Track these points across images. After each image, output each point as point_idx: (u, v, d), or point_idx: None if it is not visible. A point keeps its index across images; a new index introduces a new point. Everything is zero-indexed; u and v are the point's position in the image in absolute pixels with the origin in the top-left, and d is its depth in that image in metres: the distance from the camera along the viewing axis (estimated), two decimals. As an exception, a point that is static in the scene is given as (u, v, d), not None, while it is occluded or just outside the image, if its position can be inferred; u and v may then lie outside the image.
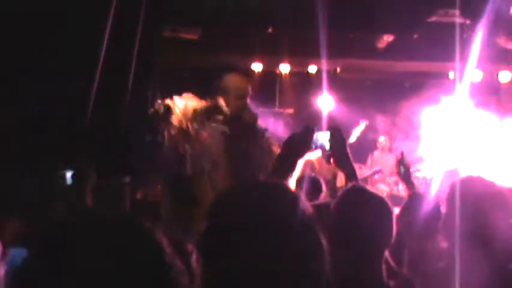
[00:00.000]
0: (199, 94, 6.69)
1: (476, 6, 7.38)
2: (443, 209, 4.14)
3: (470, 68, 7.86)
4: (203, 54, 9.51)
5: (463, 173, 5.86)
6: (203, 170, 6.86)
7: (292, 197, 1.55)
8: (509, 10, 8.54)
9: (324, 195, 5.61)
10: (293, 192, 1.59)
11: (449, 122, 8.67)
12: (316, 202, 3.47)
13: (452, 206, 2.30)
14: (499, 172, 6.77)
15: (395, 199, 5.69)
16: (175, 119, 6.88)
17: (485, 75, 10.31)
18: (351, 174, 2.73)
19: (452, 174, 5.80)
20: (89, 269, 1.12)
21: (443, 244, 3.10)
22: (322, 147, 2.74)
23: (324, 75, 9.44)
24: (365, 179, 8.49)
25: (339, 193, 2.49)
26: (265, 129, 7.39)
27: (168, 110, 6.58)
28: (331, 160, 2.76)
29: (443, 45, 8.26)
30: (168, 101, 6.60)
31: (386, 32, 9.71)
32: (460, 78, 8.05)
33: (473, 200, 2.21)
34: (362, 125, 9.74)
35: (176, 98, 6.56)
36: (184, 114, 6.66)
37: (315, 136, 2.65)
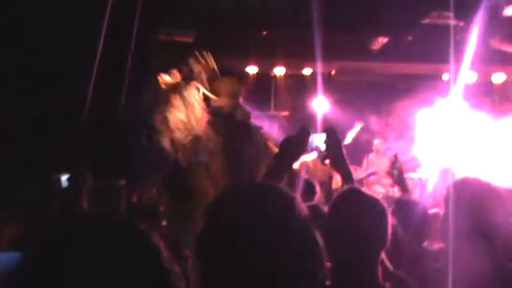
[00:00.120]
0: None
1: (470, 8, 7.41)
2: (440, 211, 4.17)
3: (464, 70, 7.89)
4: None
5: (458, 174, 5.90)
6: (200, 163, 6.89)
7: (289, 198, 1.56)
8: (502, 12, 8.58)
9: (318, 197, 5.62)
10: (289, 194, 1.60)
11: (444, 123, 8.70)
12: (309, 203, 3.48)
13: (451, 207, 2.31)
14: (494, 173, 6.79)
15: (391, 200, 5.69)
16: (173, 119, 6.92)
17: (479, 77, 10.35)
18: (347, 176, 2.74)
19: (446, 173, 5.83)
20: (84, 273, 1.11)
21: (438, 245, 3.11)
22: (317, 149, 2.75)
23: (319, 78, 9.46)
24: (360, 181, 8.50)
25: (335, 195, 2.49)
26: (260, 127, 7.43)
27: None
28: (327, 161, 2.77)
29: (437, 47, 8.28)
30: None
31: (381, 34, 9.73)
32: (454, 79, 8.07)
33: (473, 199, 2.21)
34: (357, 127, 9.76)
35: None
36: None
37: (310, 138, 2.66)
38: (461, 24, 8.75)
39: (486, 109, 9.26)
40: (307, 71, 10.60)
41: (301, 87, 10.58)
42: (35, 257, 1.16)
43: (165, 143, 6.90)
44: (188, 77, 7.38)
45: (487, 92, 10.41)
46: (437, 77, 10.46)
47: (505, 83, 10.71)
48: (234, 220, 1.49)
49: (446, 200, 2.37)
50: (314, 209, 3.02)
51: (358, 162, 9.59)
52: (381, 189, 9.11)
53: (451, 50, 7.21)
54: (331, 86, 10.07)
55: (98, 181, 4.70)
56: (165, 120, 7.07)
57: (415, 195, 6.40)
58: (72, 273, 1.11)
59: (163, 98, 7.17)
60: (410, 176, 7.99)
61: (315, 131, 2.73)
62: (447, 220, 2.30)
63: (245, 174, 6.90)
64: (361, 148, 9.79)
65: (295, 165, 3.01)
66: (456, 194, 2.33)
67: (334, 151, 2.74)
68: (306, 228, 1.52)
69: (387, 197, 7.63)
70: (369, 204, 2.36)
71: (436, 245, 3.16)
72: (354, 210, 2.35)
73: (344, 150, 2.77)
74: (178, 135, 7.17)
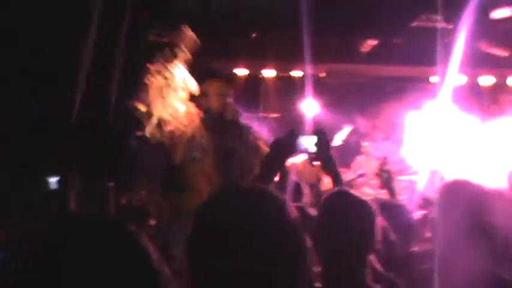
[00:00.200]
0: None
1: (458, 11, 7.44)
2: (428, 213, 4.18)
3: (452, 73, 7.92)
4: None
5: (447, 176, 5.92)
6: (194, 159, 6.91)
7: (278, 201, 1.56)
8: (490, 14, 8.63)
9: (305, 198, 5.64)
10: (279, 196, 1.60)
11: (432, 125, 8.73)
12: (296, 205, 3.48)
13: (443, 209, 2.31)
14: (482, 175, 6.82)
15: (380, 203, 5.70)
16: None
17: (468, 80, 10.40)
18: (336, 178, 2.75)
19: (434, 176, 5.85)
20: (71, 275, 1.10)
21: (422, 247, 3.12)
22: (306, 151, 2.76)
23: (309, 80, 9.46)
24: (349, 183, 8.51)
25: (324, 197, 2.50)
26: (250, 126, 7.46)
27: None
28: (316, 163, 2.77)
29: (426, 49, 8.32)
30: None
31: (370, 36, 9.76)
32: (443, 82, 8.10)
33: (471, 201, 2.21)
34: (346, 130, 9.77)
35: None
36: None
37: (299, 140, 2.66)
38: (449, 27, 8.79)
39: (474, 112, 9.31)
40: (296, 73, 10.61)
41: (290, 90, 10.59)
42: (19, 258, 1.13)
43: (156, 141, 6.92)
44: (173, 51, 7.39)
45: (475, 94, 10.46)
46: (425, 80, 10.50)
47: (493, 86, 10.77)
48: (224, 222, 1.50)
49: (438, 202, 2.37)
50: (301, 210, 3.02)
51: (347, 165, 9.60)
52: (370, 191, 9.13)
53: (440, 53, 7.24)
54: (321, 88, 10.08)
55: (86, 183, 4.68)
56: (157, 117, 7.08)
57: (405, 197, 6.41)
58: (58, 275, 1.09)
59: (155, 95, 7.18)
60: (400, 178, 8.01)
61: (304, 133, 2.74)
62: (439, 222, 2.30)
63: (236, 174, 6.92)
64: (350, 150, 9.81)
65: (286, 167, 3.01)
66: (449, 196, 2.33)
67: (323, 153, 2.75)
68: (295, 230, 1.52)
69: (376, 199, 7.64)
70: (357, 206, 2.37)
71: (420, 247, 3.17)
72: (343, 212, 2.36)
73: (333, 152, 2.77)
74: (171, 131, 7.19)
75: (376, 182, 9.10)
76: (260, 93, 10.75)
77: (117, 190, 5.75)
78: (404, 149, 9.00)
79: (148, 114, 6.87)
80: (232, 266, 1.45)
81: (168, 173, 6.86)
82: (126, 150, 6.51)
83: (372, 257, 2.35)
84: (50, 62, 5.62)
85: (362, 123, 10.47)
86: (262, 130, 9.10)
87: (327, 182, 5.10)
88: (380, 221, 2.36)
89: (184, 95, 7.33)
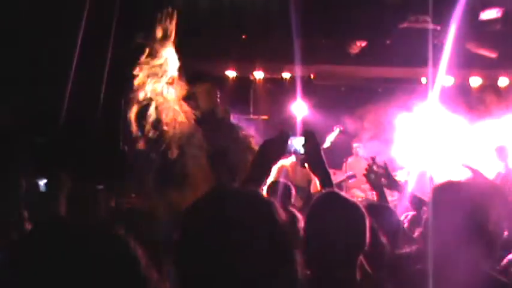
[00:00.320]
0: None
1: (447, 13, 7.48)
2: (417, 214, 4.19)
3: (441, 73, 7.95)
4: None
5: (435, 176, 5.93)
6: (192, 155, 6.93)
7: (266, 204, 1.55)
8: (479, 16, 8.68)
9: (294, 200, 5.64)
10: (267, 200, 1.59)
11: (422, 126, 8.76)
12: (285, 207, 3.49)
13: (438, 210, 2.31)
14: (469, 175, 6.84)
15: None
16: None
17: (456, 80, 10.44)
18: (325, 179, 2.74)
19: (423, 177, 5.87)
20: (60, 281, 1.09)
21: (414, 247, 3.12)
22: (296, 153, 2.75)
23: (298, 82, 9.47)
24: (339, 184, 8.52)
25: (314, 198, 2.50)
26: (241, 126, 7.52)
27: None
28: (306, 165, 2.77)
29: (415, 51, 8.35)
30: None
31: (359, 38, 9.78)
32: (432, 83, 8.14)
33: (462, 202, 2.22)
34: (336, 131, 9.79)
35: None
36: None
37: (289, 141, 2.66)
38: (438, 28, 8.83)
39: (463, 112, 9.36)
40: (286, 75, 10.62)
41: (280, 91, 10.60)
42: (5, 266, 1.13)
43: (152, 137, 6.94)
44: (164, 37, 7.41)
45: (463, 95, 10.50)
46: (415, 81, 10.53)
47: (481, 87, 10.82)
48: (211, 226, 1.49)
49: (432, 203, 2.37)
50: (289, 213, 3.02)
51: (338, 166, 9.62)
52: (360, 193, 9.15)
53: (429, 54, 7.27)
54: (310, 89, 10.09)
55: (76, 185, 4.66)
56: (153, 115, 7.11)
57: (395, 198, 6.43)
58: (47, 281, 1.09)
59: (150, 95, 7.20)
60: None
61: (294, 135, 2.73)
62: (434, 223, 2.30)
63: (228, 173, 6.95)
64: (340, 152, 9.82)
65: (274, 169, 3.00)
66: (444, 197, 2.33)
67: (313, 154, 2.74)
68: (283, 233, 1.51)
69: (364, 201, 7.66)
70: (347, 207, 2.37)
71: (410, 248, 3.17)
72: (333, 213, 2.35)
73: (323, 154, 2.77)
74: (168, 128, 7.22)
75: (366, 184, 9.12)
76: (250, 95, 10.76)
77: (107, 192, 5.73)
78: (394, 149, 9.03)
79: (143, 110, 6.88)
80: (220, 270, 1.44)
81: (164, 168, 6.89)
82: (117, 152, 6.49)
83: (361, 258, 2.36)
84: (27, 67, 5.61)
85: (352, 124, 10.49)
86: (252, 132, 9.11)
87: (317, 184, 5.12)
88: (369, 222, 2.36)
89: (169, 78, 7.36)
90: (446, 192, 2.37)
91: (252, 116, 10.45)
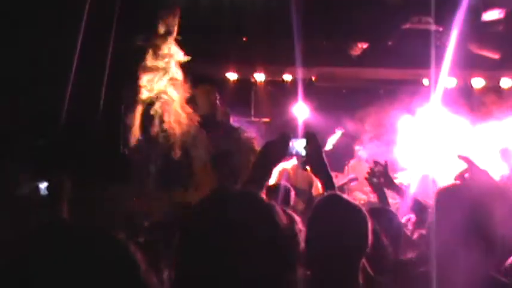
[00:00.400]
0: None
1: (449, 14, 7.47)
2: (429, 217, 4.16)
3: (443, 75, 7.94)
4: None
5: (438, 179, 5.91)
6: (197, 157, 6.95)
7: (267, 207, 1.55)
8: (481, 17, 8.67)
9: (295, 202, 5.63)
10: (267, 203, 1.58)
11: (424, 128, 8.74)
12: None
13: (442, 213, 2.29)
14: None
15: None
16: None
17: (459, 82, 10.42)
18: (327, 181, 2.72)
19: (426, 180, 5.85)
20: (60, 285, 1.09)
21: (417, 251, 3.11)
22: (298, 155, 2.73)
23: (299, 84, 9.47)
24: (341, 187, 8.51)
25: (315, 201, 2.48)
26: (242, 129, 7.55)
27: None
28: (308, 167, 2.75)
29: (417, 52, 8.33)
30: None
31: (361, 39, 9.77)
32: (434, 84, 8.12)
33: (466, 205, 2.20)
34: (338, 133, 9.77)
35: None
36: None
37: (290, 144, 2.64)
38: (440, 29, 8.82)
39: (465, 114, 9.34)
40: (287, 77, 10.62)
41: (281, 93, 10.60)
42: (6, 269, 1.12)
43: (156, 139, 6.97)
44: (166, 33, 7.42)
45: (466, 97, 10.49)
46: (417, 82, 10.51)
47: (484, 88, 10.80)
48: (212, 228, 1.49)
49: (436, 206, 2.35)
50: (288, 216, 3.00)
51: (340, 169, 9.60)
52: (362, 196, 9.12)
53: (431, 55, 7.26)
54: (312, 92, 10.08)
55: (78, 189, 4.65)
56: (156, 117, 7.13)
57: (396, 201, 6.40)
58: (47, 284, 1.08)
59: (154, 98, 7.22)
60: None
61: (296, 137, 2.71)
62: (437, 225, 2.29)
63: (230, 174, 6.96)
64: (342, 154, 9.80)
65: (275, 172, 2.99)
66: (448, 200, 2.32)
67: (315, 157, 2.72)
68: (284, 235, 1.51)
69: (366, 204, 7.63)
70: (349, 210, 2.35)
71: (413, 252, 3.17)
72: (335, 216, 2.34)
73: (325, 156, 2.75)
74: (173, 128, 7.24)
75: (368, 186, 9.09)
76: (251, 98, 10.76)
77: (108, 196, 5.73)
78: (396, 151, 9.01)
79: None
80: (221, 272, 1.44)
81: (168, 169, 6.91)
82: (117, 154, 6.49)
83: (363, 261, 2.34)
84: (27, 67, 5.61)
85: (354, 126, 10.47)
86: (253, 134, 9.11)
87: (318, 187, 5.11)
88: (371, 225, 2.35)
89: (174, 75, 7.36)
90: (450, 195, 2.35)
91: (253, 119, 10.45)
